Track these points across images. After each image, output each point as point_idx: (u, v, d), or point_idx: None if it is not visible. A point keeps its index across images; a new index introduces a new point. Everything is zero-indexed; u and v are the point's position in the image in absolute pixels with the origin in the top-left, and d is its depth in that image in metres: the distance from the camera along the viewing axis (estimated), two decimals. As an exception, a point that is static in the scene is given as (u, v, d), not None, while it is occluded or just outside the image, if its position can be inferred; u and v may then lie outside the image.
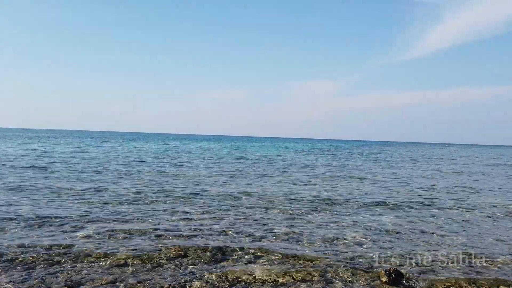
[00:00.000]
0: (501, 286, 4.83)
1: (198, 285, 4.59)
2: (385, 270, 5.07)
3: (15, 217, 7.48)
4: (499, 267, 5.57)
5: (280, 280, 4.83)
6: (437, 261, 5.74)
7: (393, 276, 4.97)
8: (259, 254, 5.83)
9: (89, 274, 4.80)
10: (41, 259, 5.23)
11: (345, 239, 6.87)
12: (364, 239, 6.88)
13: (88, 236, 6.42)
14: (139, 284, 4.56)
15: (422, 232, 7.59)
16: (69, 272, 4.82)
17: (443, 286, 4.82)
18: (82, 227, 6.97)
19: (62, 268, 4.96)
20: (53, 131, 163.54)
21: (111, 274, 4.83)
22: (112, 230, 6.83)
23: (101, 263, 5.19)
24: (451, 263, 5.67)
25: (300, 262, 5.53)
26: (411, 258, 5.84)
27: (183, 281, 4.71)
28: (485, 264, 5.66)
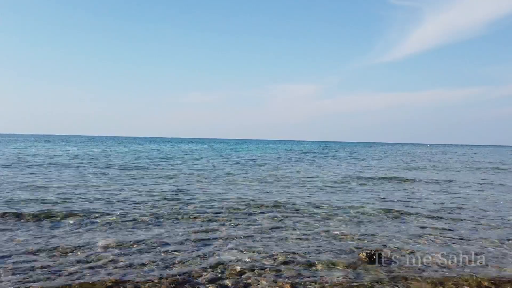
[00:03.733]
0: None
1: (180, 269, 4.53)
2: (366, 252, 5.12)
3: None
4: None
5: (263, 263, 4.81)
6: (419, 244, 5.84)
7: (374, 257, 5.01)
8: (242, 242, 5.80)
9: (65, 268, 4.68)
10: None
11: (326, 228, 6.90)
12: (345, 227, 6.93)
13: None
14: (117, 269, 4.47)
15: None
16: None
17: (424, 266, 4.90)
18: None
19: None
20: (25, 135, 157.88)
21: (91, 261, 4.73)
22: (92, 222, 6.70)
23: (80, 252, 5.06)
24: (433, 247, 5.78)
25: (282, 248, 5.53)
26: (393, 244, 5.91)
27: (163, 266, 4.64)
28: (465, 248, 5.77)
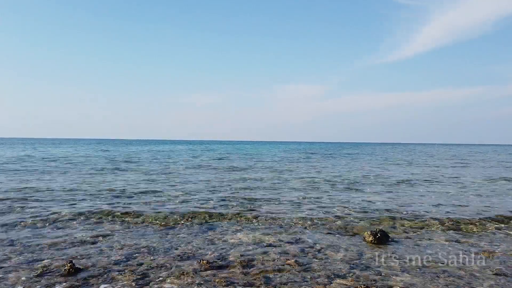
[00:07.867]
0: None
1: (185, 249, 4.57)
2: (371, 231, 5.15)
3: None
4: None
5: (267, 241, 4.86)
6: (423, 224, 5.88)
7: (379, 236, 5.04)
8: (250, 218, 5.90)
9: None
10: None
11: (330, 210, 6.94)
12: (349, 210, 6.97)
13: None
14: (126, 247, 4.52)
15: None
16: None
17: (427, 244, 4.93)
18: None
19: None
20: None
21: (95, 236, 4.79)
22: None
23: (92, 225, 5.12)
24: (436, 226, 5.82)
25: (289, 226, 5.59)
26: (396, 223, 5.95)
27: (169, 245, 4.68)
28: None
